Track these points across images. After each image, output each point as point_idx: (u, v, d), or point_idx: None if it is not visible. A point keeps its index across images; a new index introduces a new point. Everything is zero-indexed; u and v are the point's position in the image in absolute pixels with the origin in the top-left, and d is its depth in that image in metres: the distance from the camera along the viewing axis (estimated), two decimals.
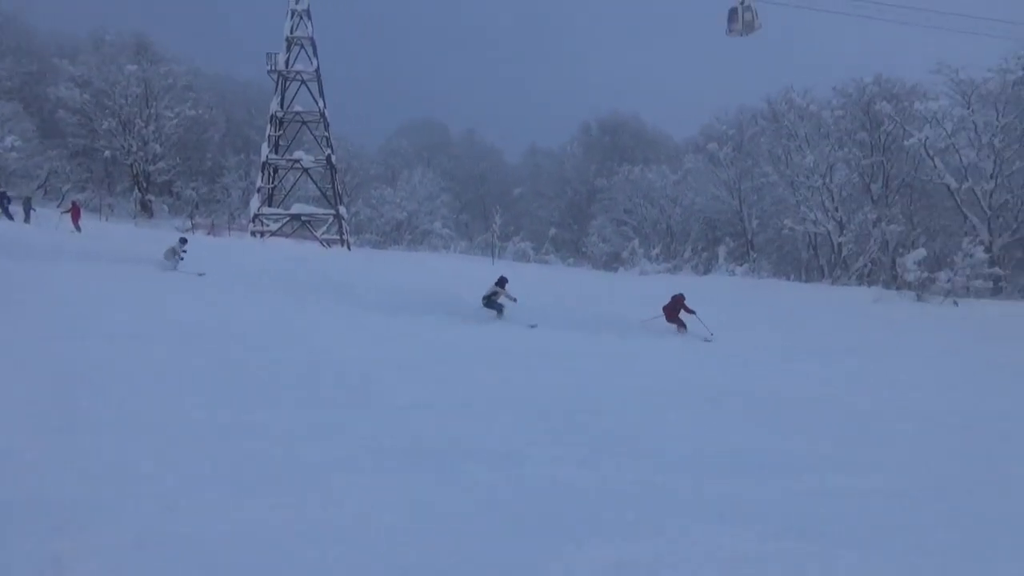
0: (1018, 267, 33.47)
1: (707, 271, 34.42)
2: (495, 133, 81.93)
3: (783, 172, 36.82)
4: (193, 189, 46.87)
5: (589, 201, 52.09)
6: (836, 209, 35.62)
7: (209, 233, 35.46)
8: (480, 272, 26.35)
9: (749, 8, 19.71)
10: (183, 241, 17.79)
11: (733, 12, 19.90)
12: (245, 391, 7.47)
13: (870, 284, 31.03)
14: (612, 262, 40.71)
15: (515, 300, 15.19)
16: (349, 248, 35.45)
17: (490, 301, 15.25)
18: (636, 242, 38.65)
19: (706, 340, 14.65)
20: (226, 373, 8.12)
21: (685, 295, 15.81)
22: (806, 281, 34.44)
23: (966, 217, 32.20)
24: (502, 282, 15.55)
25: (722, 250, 35.44)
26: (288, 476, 4.95)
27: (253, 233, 35.12)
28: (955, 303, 24.49)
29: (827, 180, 35.42)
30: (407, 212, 49.50)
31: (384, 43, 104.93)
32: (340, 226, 36.20)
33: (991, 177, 31.32)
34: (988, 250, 29.80)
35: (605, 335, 14.16)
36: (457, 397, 8.23)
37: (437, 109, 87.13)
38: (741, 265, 34.53)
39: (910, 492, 5.75)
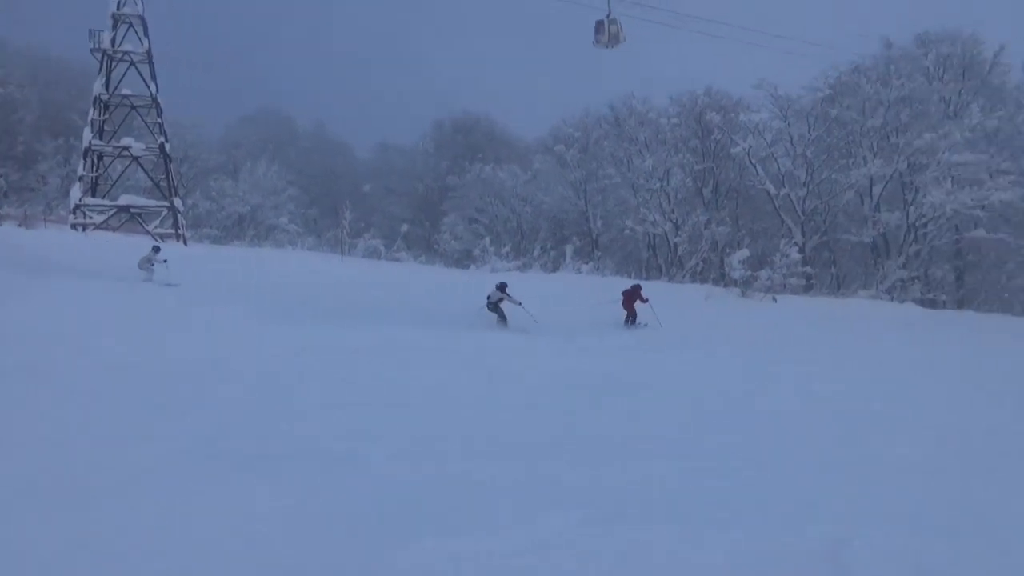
0: (825, 266, 37.23)
1: (555, 269, 35.45)
2: (344, 128, 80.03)
3: (625, 175, 38.70)
4: (1, 176, 42.08)
5: (441, 198, 52.07)
6: (672, 211, 37.91)
7: (20, 225, 31.99)
8: (333, 269, 25.65)
9: (615, 21, 20.56)
10: (156, 249, 17.20)
11: (600, 24, 20.63)
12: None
13: (702, 281, 33.32)
14: (464, 259, 40.98)
15: (520, 303, 15.45)
16: (186, 243, 33.26)
17: (495, 306, 15.54)
18: (487, 240, 39.10)
19: (657, 327, 15.91)
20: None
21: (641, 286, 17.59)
22: (646, 279, 36.37)
23: (783, 220, 35.32)
24: (503, 287, 15.80)
25: (569, 249, 36.64)
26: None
27: (74, 226, 32.06)
28: (774, 299, 26.78)
29: (664, 184, 37.64)
30: (250, 206, 47.17)
31: (226, 28, 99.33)
32: (175, 219, 33.87)
33: (804, 184, 34.55)
34: (802, 251, 32.90)
35: (446, 330, 14.21)
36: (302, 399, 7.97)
37: (283, 100, 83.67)
38: (587, 263, 35.85)
39: (740, 471, 6.20)
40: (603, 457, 6.32)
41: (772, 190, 34.76)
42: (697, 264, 36.65)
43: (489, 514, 4.67)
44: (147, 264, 16.77)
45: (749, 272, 28.31)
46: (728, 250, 34.75)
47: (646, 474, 5.87)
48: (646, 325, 16.68)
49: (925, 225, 32.94)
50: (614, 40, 20.57)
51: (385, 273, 26.79)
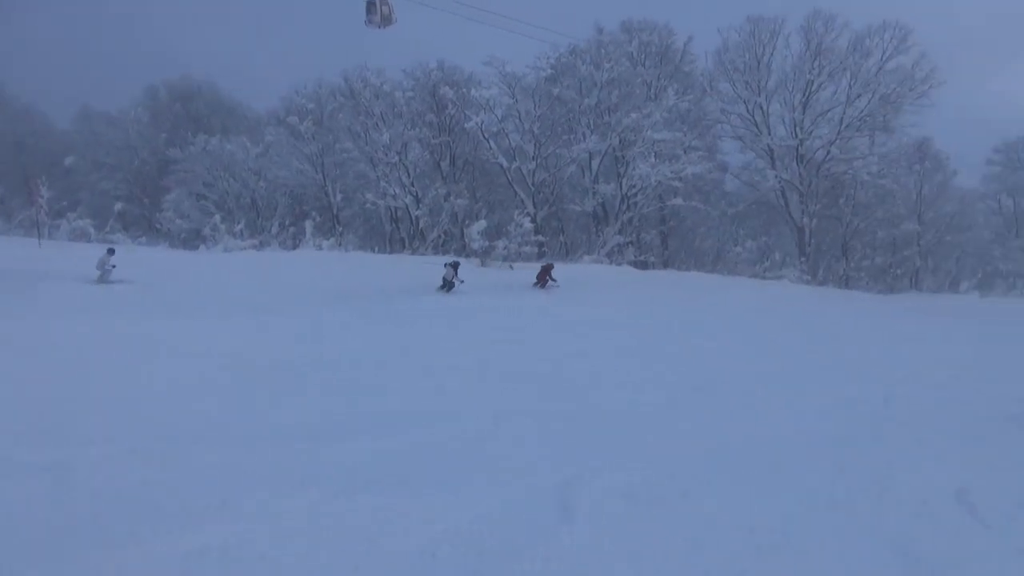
0: (555, 234, 40.24)
1: (295, 246, 34.11)
2: (31, 91, 68.83)
3: (363, 148, 38.21)
4: None
5: (161, 173, 47.25)
6: (412, 184, 38.29)
7: None
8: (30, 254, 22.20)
9: (387, 2, 20.04)
10: (111, 252, 18.05)
11: (371, 5, 20.02)
12: None
13: (444, 253, 34.21)
14: (193, 239, 37.74)
15: (463, 282, 19.82)
16: None
17: (449, 285, 19.44)
18: (218, 217, 36.39)
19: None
20: None
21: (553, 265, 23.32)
22: (390, 252, 36.47)
23: (516, 192, 37.43)
24: (456, 265, 20.17)
25: (308, 225, 35.45)
26: None
27: None
28: (511, 267, 28.36)
29: (403, 157, 37.81)
30: None
31: None
32: None
33: (533, 158, 36.85)
34: (534, 220, 35.20)
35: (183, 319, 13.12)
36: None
37: None
38: (328, 239, 34.98)
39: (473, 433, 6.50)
40: (336, 435, 6.29)
41: (505, 164, 36.60)
42: (439, 236, 37.53)
43: (235, 502, 4.43)
44: (101, 266, 17.54)
45: (487, 242, 29.66)
46: (467, 222, 36.06)
47: (381, 449, 5.95)
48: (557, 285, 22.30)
49: (635, 195, 36.94)
50: (386, 21, 20.32)
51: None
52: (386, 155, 37.64)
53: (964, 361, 12.23)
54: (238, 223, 36.53)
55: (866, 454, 6.37)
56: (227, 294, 17.18)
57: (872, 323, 19.32)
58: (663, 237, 41.90)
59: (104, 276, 17.36)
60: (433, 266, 20.53)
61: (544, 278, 22.65)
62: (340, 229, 39.75)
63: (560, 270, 23.96)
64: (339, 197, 41.09)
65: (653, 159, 35.29)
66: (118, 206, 41.26)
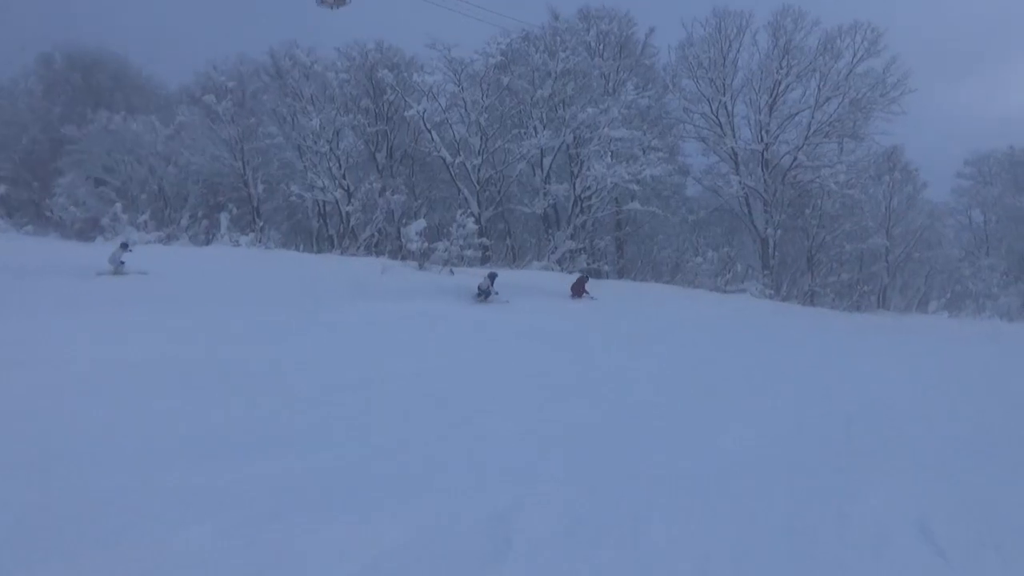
0: (501, 237, 40.37)
1: (208, 241, 33.30)
2: None
3: (289, 134, 37.65)
4: None
5: (55, 154, 45.58)
6: (344, 177, 37.90)
7: None
8: None
9: None
10: (124, 246, 19.48)
11: None
12: None
13: (378, 254, 33.93)
14: (89, 230, 36.49)
15: (498, 293, 21.43)
16: None
17: (485, 294, 21.23)
18: (119, 206, 35.24)
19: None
20: None
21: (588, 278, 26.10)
22: (318, 252, 35.97)
23: (459, 190, 37.41)
24: (494, 276, 22.05)
25: (224, 217, 34.66)
26: None
27: None
28: (451, 272, 28.28)
29: (334, 146, 37.42)
30: None
31: None
32: None
33: (479, 153, 36.91)
34: (478, 222, 35.22)
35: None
36: None
37: None
38: (247, 235, 34.27)
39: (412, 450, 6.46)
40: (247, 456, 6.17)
41: (448, 158, 36.55)
42: (372, 235, 37.18)
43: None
44: (115, 259, 18.88)
45: (426, 244, 29.51)
46: (405, 220, 35.82)
47: (316, 467, 5.86)
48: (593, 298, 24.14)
49: (590, 198, 37.35)
50: (338, 2, 20.31)
51: None
52: (315, 143, 37.15)
53: (930, 387, 12.72)
54: (142, 213, 35.49)
55: (826, 482, 6.61)
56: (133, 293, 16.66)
57: (837, 343, 19.94)
58: (619, 244, 42.47)
59: (120, 268, 18.84)
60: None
61: (580, 289, 24.65)
62: (261, 224, 39.02)
63: (505, 277, 24.03)
64: (261, 188, 40.33)
65: (610, 159, 35.76)
66: (1, 189, 39.64)
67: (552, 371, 11.66)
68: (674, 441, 7.71)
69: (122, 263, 19.15)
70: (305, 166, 37.31)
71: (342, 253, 34.45)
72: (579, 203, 37.38)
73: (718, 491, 6.04)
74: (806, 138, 39.07)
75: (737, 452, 7.46)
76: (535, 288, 25.12)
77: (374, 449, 6.58)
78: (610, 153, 36.32)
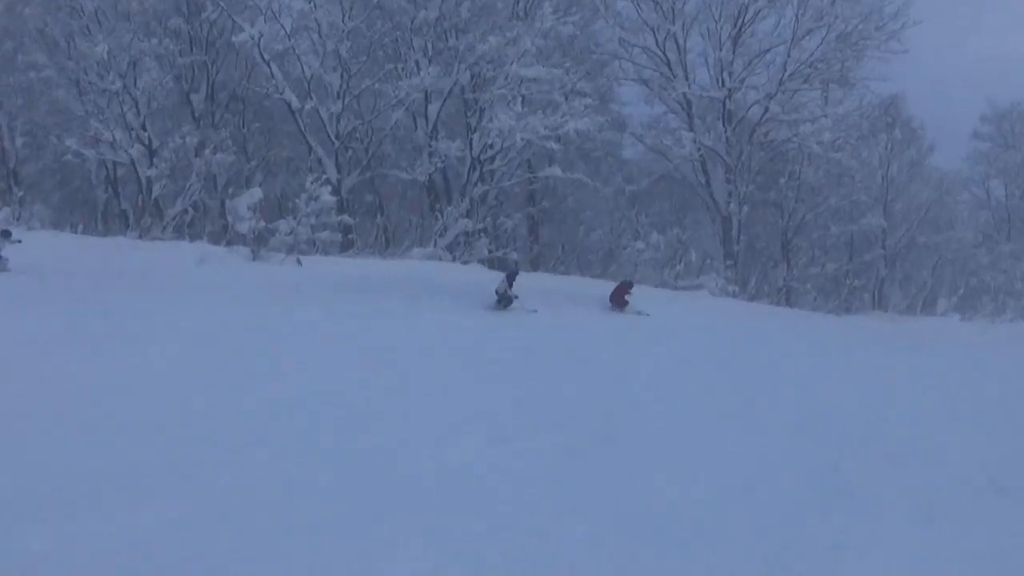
0: (369, 214, 40.03)
1: None
2: None
3: (64, 65, 36.30)
4: None
5: None
6: (144, 127, 36.78)
7: None
8: None
9: None
10: (6, 234, 20.78)
11: None
12: None
13: (193, 238, 33.01)
14: None
15: (518, 297, 23.24)
16: None
17: (506, 300, 23.04)
18: None
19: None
20: None
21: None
22: (105, 234, 34.80)
23: (311, 148, 36.91)
24: (512, 276, 23.79)
25: None
26: None
27: None
28: (299, 262, 27.82)
29: (129, 83, 36.21)
30: None
31: None
32: None
33: (339, 96, 36.50)
34: (337, 192, 34.83)
35: None
36: None
37: None
38: (1, 209, 32.91)
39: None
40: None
41: (295, 102, 36.00)
42: (185, 211, 36.25)
43: None
44: None
45: (263, 223, 28.98)
46: (232, 190, 35.09)
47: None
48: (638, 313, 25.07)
49: (492, 159, 37.46)
50: None
51: None
52: (102, 78, 35.90)
53: (932, 416, 13.37)
54: None
55: (812, 530, 7.29)
56: None
57: (823, 358, 20.60)
58: (532, 224, 42.80)
59: (4, 265, 19.82)
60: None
61: (621, 298, 25.76)
62: (20, 193, 37.46)
63: (376, 266, 23.82)
64: (19, 142, 38.96)
65: (520, 106, 35.97)
66: None
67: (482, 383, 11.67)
68: (642, 476, 8.02)
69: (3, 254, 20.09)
70: (87, 111, 36.04)
71: (141, 236, 33.39)
72: (478, 167, 37.42)
73: (697, 535, 6.45)
74: (780, 83, 40.15)
75: (716, 491, 8.12)
76: (419, 284, 24.96)
77: None
78: (520, 99, 36.53)
